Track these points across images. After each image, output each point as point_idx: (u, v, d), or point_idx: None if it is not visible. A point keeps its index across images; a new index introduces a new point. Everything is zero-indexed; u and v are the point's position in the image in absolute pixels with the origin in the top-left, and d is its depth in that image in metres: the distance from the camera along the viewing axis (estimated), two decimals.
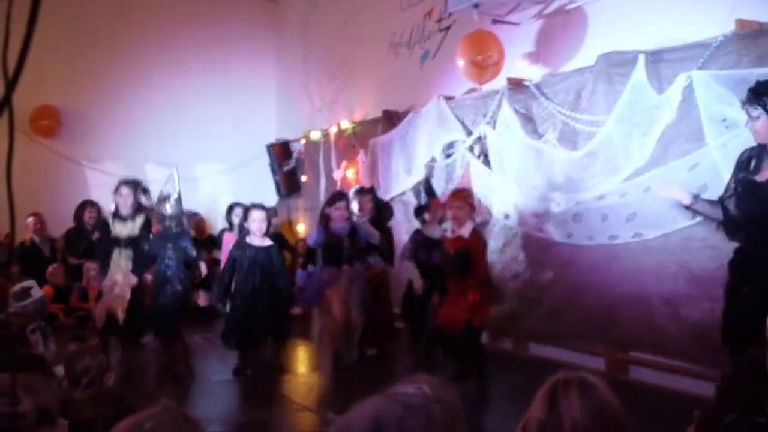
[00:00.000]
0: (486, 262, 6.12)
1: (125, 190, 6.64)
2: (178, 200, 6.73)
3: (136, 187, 6.74)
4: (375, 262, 7.39)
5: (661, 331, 5.57)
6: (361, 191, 7.69)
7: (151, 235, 6.72)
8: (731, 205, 4.22)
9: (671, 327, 5.49)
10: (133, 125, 11.62)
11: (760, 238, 4.00)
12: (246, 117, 12.43)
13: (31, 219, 9.88)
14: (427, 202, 7.47)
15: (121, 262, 6.64)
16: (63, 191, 10.72)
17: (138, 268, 6.58)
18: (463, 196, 6.06)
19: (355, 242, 7.00)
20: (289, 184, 11.86)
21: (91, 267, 8.57)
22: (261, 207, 6.85)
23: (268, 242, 6.76)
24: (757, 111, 4.02)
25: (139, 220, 6.68)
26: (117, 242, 6.64)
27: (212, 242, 10.39)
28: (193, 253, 6.81)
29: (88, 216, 9.61)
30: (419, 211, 7.45)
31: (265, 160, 11.99)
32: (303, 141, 11.28)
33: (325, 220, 7.07)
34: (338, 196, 7.22)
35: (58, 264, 9.57)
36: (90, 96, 11.50)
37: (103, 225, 7.20)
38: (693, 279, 5.32)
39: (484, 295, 5.87)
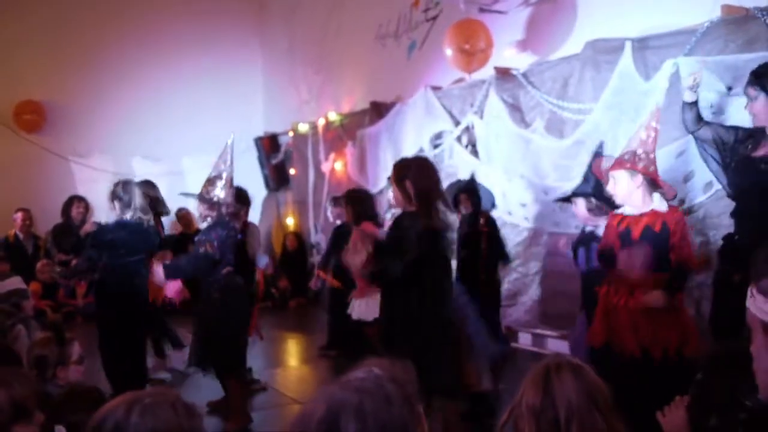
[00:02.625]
0: None
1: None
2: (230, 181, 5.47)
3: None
4: None
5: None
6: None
7: None
8: (725, 181, 4.24)
9: None
10: (120, 119, 11.54)
11: (751, 220, 3.98)
12: (233, 110, 12.34)
13: (19, 214, 9.79)
14: None
15: None
16: (49, 186, 10.63)
17: None
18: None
19: None
20: (277, 178, 11.83)
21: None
22: None
23: None
24: (756, 91, 4.01)
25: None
26: None
27: None
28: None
29: (76, 211, 9.51)
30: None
31: (253, 153, 11.93)
32: (291, 134, 11.23)
33: None
34: None
35: (45, 260, 9.49)
36: (75, 90, 11.41)
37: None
38: None
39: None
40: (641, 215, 4.11)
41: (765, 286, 1.65)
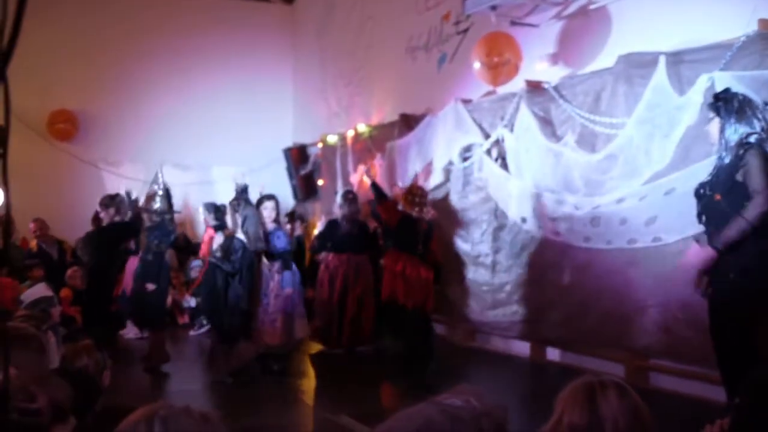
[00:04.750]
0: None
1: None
2: (164, 196, 7.42)
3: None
4: None
5: (680, 337, 5.47)
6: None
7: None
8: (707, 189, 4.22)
9: (690, 333, 5.38)
10: (150, 129, 11.68)
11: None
12: (263, 121, 12.44)
13: (32, 225, 9.73)
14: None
15: None
16: (80, 194, 10.74)
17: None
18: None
19: None
20: (306, 189, 11.86)
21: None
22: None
23: None
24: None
25: None
26: None
27: None
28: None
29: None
30: None
31: (282, 164, 11.99)
32: (320, 145, 11.26)
33: None
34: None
35: (76, 266, 9.56)
36: (107, 100, 11.57)
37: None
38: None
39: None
40: None
41: None
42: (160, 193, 7.33)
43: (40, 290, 5.35)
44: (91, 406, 2.68)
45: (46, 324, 3.82)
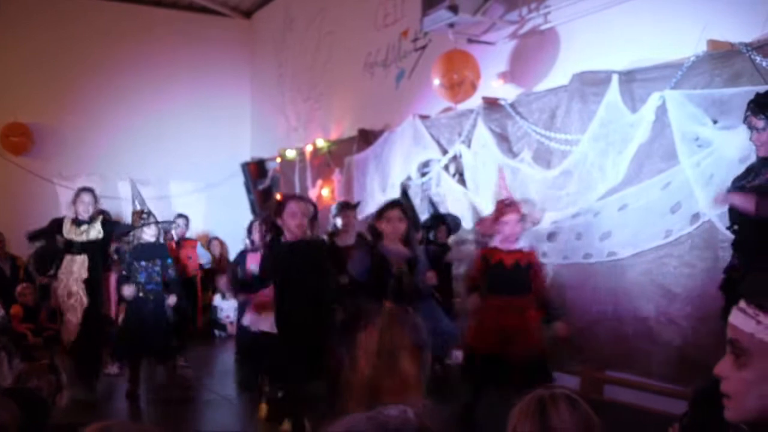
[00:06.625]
0: None
1: (87, 197, 6.63)
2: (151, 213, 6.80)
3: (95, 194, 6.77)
4: None
5: (637, 351, 5.56)
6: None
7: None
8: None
9: (647, 346, 5.48)
10: (107, 143, 11.52)
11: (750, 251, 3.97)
12: (221, 135, 12.38)
13: None
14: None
15: (74, 268, 6.51)
16: (33, 209, 10.51)
17: (95, 272, 6.55)
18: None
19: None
20: (264, 203, 11.78)
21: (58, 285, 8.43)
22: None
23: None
24: (762, 122, 3.99)
25: (97, 224, 6.62)
26: (70, 247, 6.57)
27: None
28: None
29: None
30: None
31: (240, 178, 11.92)
32: (278, 159, 11.23)
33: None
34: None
35: (27, 283, 9.38)
36: (63, 113, 11.40)
37: (45, 232, 7.09)
38: (669, 297, 5.31)
39: None
40: None
41: None
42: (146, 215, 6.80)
43: None
44: (39, 427, 2.63)
45: None
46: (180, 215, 9.95)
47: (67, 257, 6.55)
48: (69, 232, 6.59)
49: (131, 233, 6.76)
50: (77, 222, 6.58)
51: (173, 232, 8.90)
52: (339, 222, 7.01)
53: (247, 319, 6.41)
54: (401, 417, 1.41)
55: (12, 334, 7.49)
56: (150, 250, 6.66)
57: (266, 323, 5.97)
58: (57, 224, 6.68)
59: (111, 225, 6.81)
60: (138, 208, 6.79)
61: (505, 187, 6.46)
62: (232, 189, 11.95)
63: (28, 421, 2.43)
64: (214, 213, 11.78)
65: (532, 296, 5.15)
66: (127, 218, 7.23)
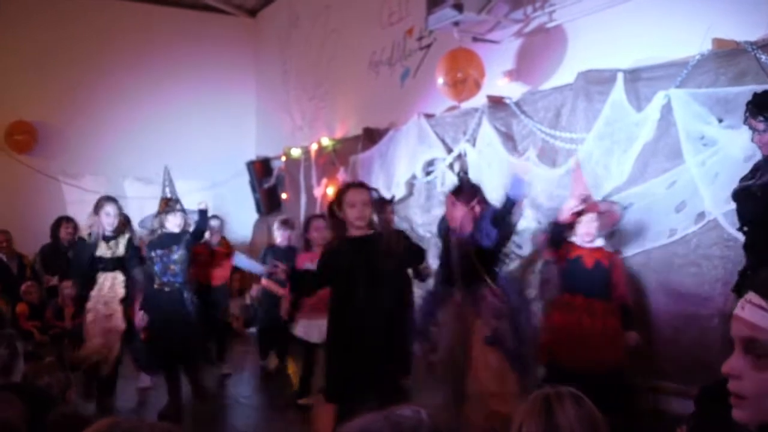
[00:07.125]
0: None
1: (111, 209, 6.36)
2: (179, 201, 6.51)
3: (118, 203, 6.55)
4: None
5: (641, 350, 5.54)
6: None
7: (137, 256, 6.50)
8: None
9: (652, 345, 5.47)
10: (112, 141, 11.54)
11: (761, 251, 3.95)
12: (226, 134, 12.39)
13: None
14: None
15: (105, 286, 6.31)
16: (39, 207, 10.59)
17: (131, 290, 6.33)
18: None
19: None
20: (269, 202, 11.80)
21: (66, 285, 8.44)
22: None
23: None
24: (762, 124, 3.96)
25: (123, 241, 6.43)
26: (100, 263, 6.34)
27: None
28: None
29: (65, 232, 9.46)
30: None
31: (245, 177, 11.93)
32: (283, 158, 11.23)
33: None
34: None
35: (32, 281, 9.40)
36: (67, 111, 11.42)
37: (78, 242, 6.92)
38: (675, 296, 5.30)
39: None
40: None
41: None
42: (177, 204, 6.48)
43: None
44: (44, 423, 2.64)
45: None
46: (214, 216, 8.63)
47: (101, 276, 6.32)
48: (99, 248, 6.37)
49: (154, 221, 6.33)
50: (105, 237, 6.38)
51: (208, 237, 8.04)
52: (375, 219, 6.93)
53: (300, 328, 6.22)
54: (415, 417, 1.42)
55: (19, 331, 7.47)
56: (168, 239, 6.21)
57: (316, 332, 5.81)
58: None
59: (135, 250, 6.50)
60: (168, 195, 6.45)
61: (581, 181, 5.76)
62: (237, 187, 11.97)
63: (34, 417, 2.44)
64: (219, 211, 11.77)
65: (612, 302, 4.92)
66: (128, 219, 6.99)
